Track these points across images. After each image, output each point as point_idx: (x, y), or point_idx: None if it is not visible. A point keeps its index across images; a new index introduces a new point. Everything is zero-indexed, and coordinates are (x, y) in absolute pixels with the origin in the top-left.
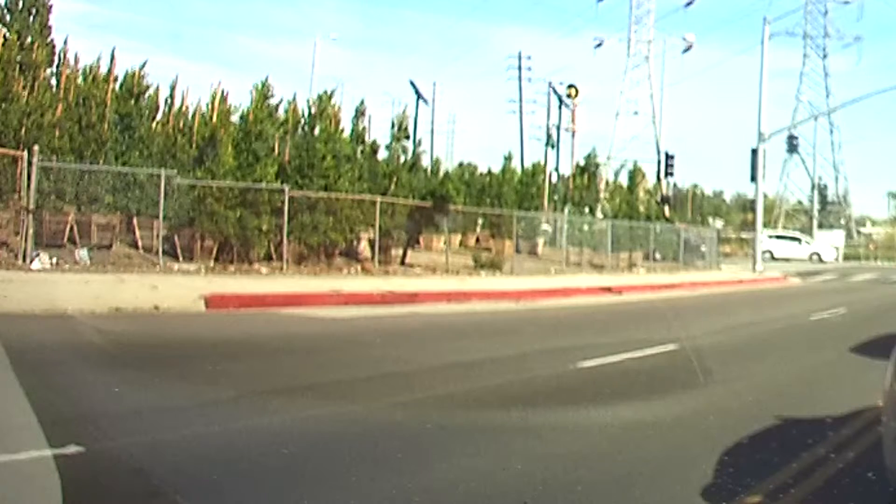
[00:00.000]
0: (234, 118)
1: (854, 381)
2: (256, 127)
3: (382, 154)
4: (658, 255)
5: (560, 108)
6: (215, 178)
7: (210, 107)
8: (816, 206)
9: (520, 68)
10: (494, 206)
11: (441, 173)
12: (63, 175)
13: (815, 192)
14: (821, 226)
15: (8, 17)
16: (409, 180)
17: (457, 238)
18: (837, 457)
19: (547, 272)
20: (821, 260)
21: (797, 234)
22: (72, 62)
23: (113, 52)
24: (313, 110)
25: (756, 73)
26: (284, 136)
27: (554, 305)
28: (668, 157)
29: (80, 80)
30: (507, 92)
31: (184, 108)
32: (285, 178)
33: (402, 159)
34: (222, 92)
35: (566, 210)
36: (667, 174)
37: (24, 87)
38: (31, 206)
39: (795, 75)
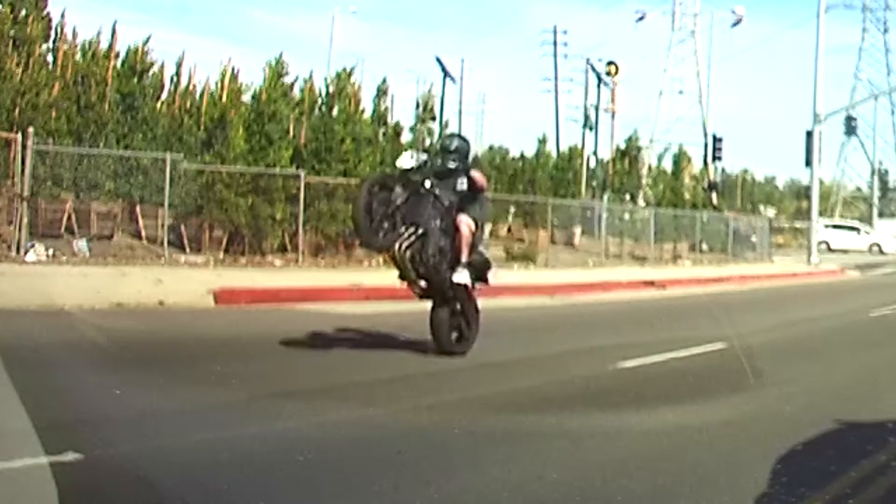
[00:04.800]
0: (246, 98)
1: None
2: (270, 107)
3: (406, 136)
4: (705, 246)
5: (599, 86)
6: (225, 163)
7: (219, 85)
8: (877, 193)
9: (555, 44)
10: (527, 192)
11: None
12: (60, 159)
13: (876, 177)
14: (881, 214)
15: None
16: None
17: (487, 228)
18: None
19: (584, 265)
20: (881, 251)
21: (856, 224)
22: (70, 37)
23: (114, 25)
24: (331, 89)
25: (811, 48)
26: (300, 117)
27: (592, 301)
28: (716, 139)
29: (78, 56)
30: (542, 69)
31: (191, 87)
32: (301, 163)
33: (428, 142)
34: (233, 69)
35: (605, 197)
36: (714, 158)
37: (17, 65)
38: (26, 194)
39: (854, 51)
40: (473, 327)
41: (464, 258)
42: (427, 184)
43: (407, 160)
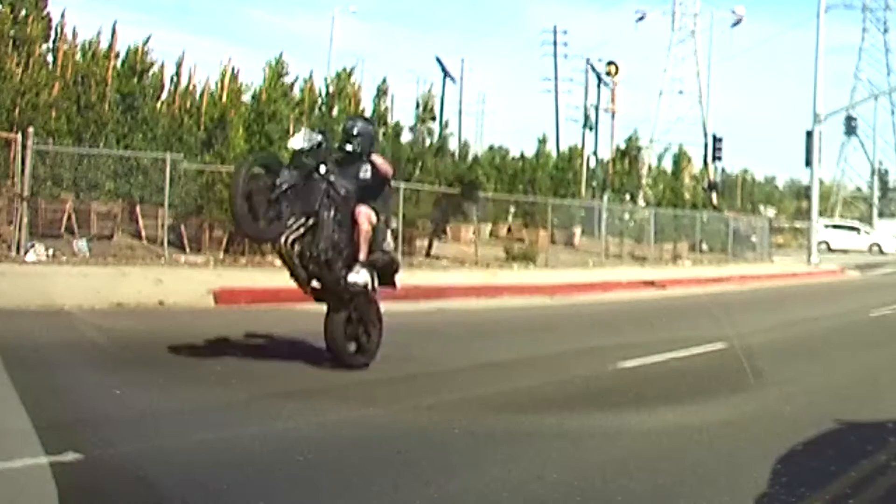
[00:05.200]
0: (246, 98)
1: None
2: (270, 107)
3: (406, 137)
4: (705, 246)
5: (599, 86)
6: (225, 163)
7: (219, 85)
8: (877, 193)
9: (555, 44)
10: (528, 192)
11: (470, 157)
12: (60, 159)
13: (876, 177)
14: (881, 214)
15: None
16: (435, 165)
17: (487, 228)
18: None
19: (584, 265)
20: (881, 251)
21: (856, 224)
22: (70, 37)
23: (114, 25)
24: (331, 89)
25: (811, 48)
26: (300, 117)
27: (592, 301)
28: (716, 139)
29: (78, 56)
30: (542, 69)
31: (191, 87)
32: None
33: (428, 142)
34: (232, 69)
35: (605, 197)
36: (714, 158)
37: (17, 65)
38: (26, 194)
39: (854, 51)
40: (374, 337)
41: (362, 256)
42: (322, 169)
43: (298, 140)
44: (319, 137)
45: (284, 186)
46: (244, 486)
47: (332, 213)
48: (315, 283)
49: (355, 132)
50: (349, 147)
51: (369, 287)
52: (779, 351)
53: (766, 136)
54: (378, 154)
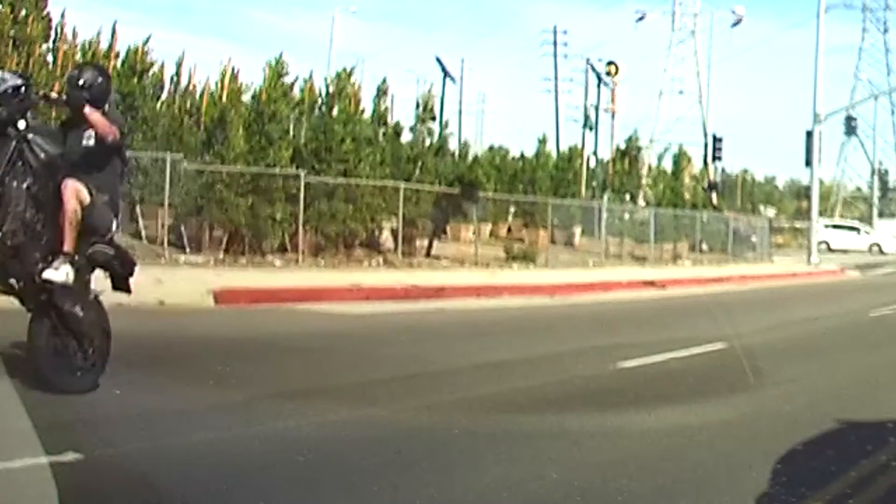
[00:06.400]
0: (246, 98)
1: None
2: (270, 107)
3: (406, 137)
4: (705, 246)
5: (599, 86)
6: (225, 163)
7: (219, 85)
8: (877, 193)
9: (555, 44)
10: (527, 192)
11: (470, 157)
12: None
13: (876, 177)
14: (881, 214)
15: None
16: (435, 165)
17: (487, 228)
18: None
19: (584, 264)
20: (881, 251)
21: (856, 224)
22: (70, 37)
23: (114, 25)
24: (331, 89)
25: (811, 48)
26: (300, 117)
27: (592, 301)
28: (716, 139)
29: (78, 56)
30: (542, 69)
31: (191, 87)
32: (301, 163)
33: (428, 142)
34: (232, 69)
35: (605, 197)
36: (714, 158)
37: (17, 65)
38: None
39: (854, 51)
40: (96, 354)
41: (66, 245)
42: (20, 124)
43: None
44: (18, 81)
45: None
46: (244, 486)
47: (25, 183)
48: (12, 280)
49: (81, 83)
50: (53, 95)
51: (88, 287)
52: (779, 351)
53: (766, 136)
54: (99, 111)
